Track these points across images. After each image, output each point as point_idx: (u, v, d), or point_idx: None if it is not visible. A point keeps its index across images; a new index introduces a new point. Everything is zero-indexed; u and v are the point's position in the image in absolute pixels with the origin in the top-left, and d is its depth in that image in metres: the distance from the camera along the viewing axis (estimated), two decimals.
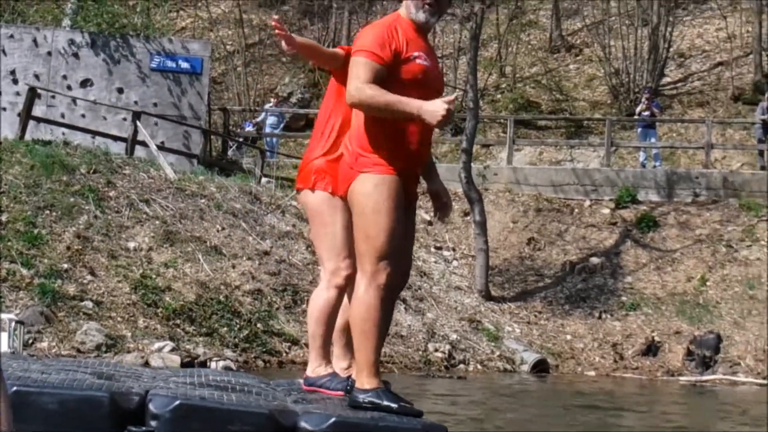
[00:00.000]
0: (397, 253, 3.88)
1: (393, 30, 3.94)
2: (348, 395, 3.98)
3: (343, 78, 4.05)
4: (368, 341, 3.83)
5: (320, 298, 4.40)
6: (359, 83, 3.82)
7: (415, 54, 3.92)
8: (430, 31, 4.15)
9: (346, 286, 4.32)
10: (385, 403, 3.76)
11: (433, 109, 3.77)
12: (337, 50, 4.47)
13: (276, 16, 4.42)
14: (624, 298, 17.29)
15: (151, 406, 3.27)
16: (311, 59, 4.64)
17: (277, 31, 4.31)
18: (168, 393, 3.35)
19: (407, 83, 3.88)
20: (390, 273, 3.84)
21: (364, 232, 3.86)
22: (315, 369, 4.38)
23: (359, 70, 3.84)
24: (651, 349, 16.18)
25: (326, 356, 4.45)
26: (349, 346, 4.31)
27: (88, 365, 4.04)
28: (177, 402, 3.28)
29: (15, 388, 3.15)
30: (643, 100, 21.70)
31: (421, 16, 4.01)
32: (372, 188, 3.86)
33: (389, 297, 3.90)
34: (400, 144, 3.90)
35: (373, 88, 3.81)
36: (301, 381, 4.59)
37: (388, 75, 3.86)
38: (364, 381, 3.82)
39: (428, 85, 3.95)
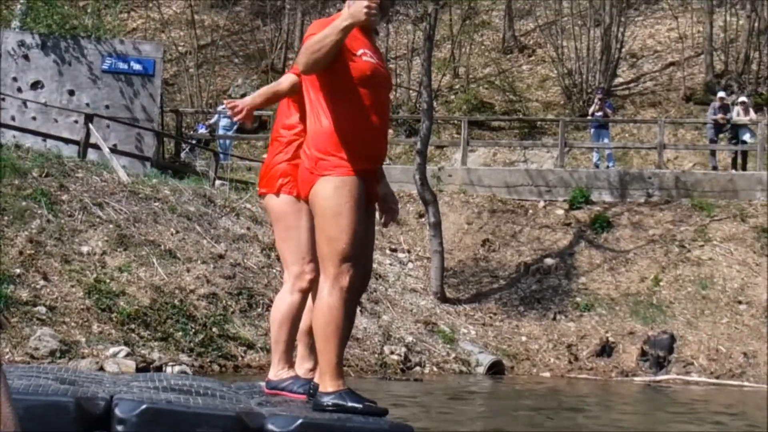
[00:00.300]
0: (360, 255, 3.90)
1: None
2: (311, 398, 3.97)
3: (306, 86, 4.06)
4: (331, 344, 3.84)
5: (284, 302, 4.41)
6: (301, 50, 3.88)
7: (361, 51, 3.95)
8: (373, 30, 4.16)
9: (310, 290, 4.31)
10: (350, 404, 3.77)
11: (357, 8, 3.77)
12: (290, 75, 4.49)
13: (226, 100, 4.52)
14: (578, 299, 17.41)
15: (117, 411, 3.27)
16: (273, 103, 4.66)
17: (232, 113, 4.38)
18: (134, 397, 3.33)
19: (358, 81, 3.91)
20: (353, 275, 3.85)
21: (325, 235, 3.87)
22: (277, 372, 4.39)
23: (307, 43, 3.88)
24: (605, 349, 16.31)
25: (289, 360, 4.45)
26: (312, 347, 4.30)
27: (49, 371, 4.00)
28: (143, 406, 3.28)
29: None
30: (596, 100, 21.90)
31: (363, 16, 3.99)
32: (332, 190, 3.87)
33: (352, 299, 3.91)
34: (358, 144, 3.92)
35: (309, 43, 3.84)
36: (262, 384, 4.59)
37: (337, 74, 3.90)
38: (328, 384, 3.83)
39: (377, 83, 3.98)
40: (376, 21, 3.88)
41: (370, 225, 4.07)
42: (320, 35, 3.81)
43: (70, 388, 3.41)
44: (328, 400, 3.79)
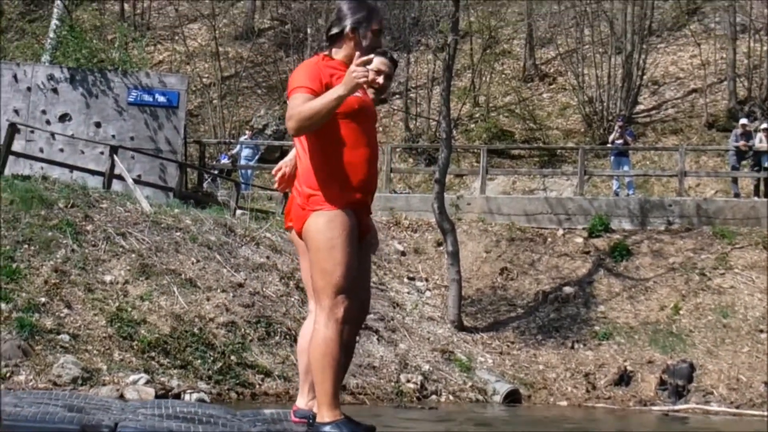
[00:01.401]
0: (354, 286, 4.04)
1: (320, 66, 4.12)
2: (310, 427, 4.14)
3: None
4: (327, 375, 3.97)
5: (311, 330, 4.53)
6: (293, 110, 3.97)
7: None
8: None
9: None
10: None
11: (350, 76, 3.87)
12: None
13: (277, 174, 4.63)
14: (597, 328, 17.44)
15: None
16: None
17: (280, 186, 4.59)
18: (137, 426, 3.51)
19: (345, 115, 4.05)
20: (347, 306, 4.00)
21: (320, 268, 4.02)
22: (308, 402, 4.53)
23: (291, 104, 4.00)
24: (623, 378, 16.28)
25: None
26: None
27: (60, 398, 4.19)
28: None
29: None
30: (616, 128, 21.98)
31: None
32: (324, 225, 4.02)
33: (348, 330, 4.05)
34: (347, 178, 4.07)
35: (299, 106, 3.94)
36: (268, 412, 4.75)
37: None
38: (325, 414, 3.96)
39: (364, 116, 4.14)
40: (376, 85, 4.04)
41: (364, 256, 4.21)
42: (315, 106, 3.91)
43: (77, 416, 3.59)
44: (325, 430, 3.94)
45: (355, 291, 4.08)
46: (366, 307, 4.33)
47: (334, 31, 4.21)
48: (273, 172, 4.74)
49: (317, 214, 4.06)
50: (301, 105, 3.95)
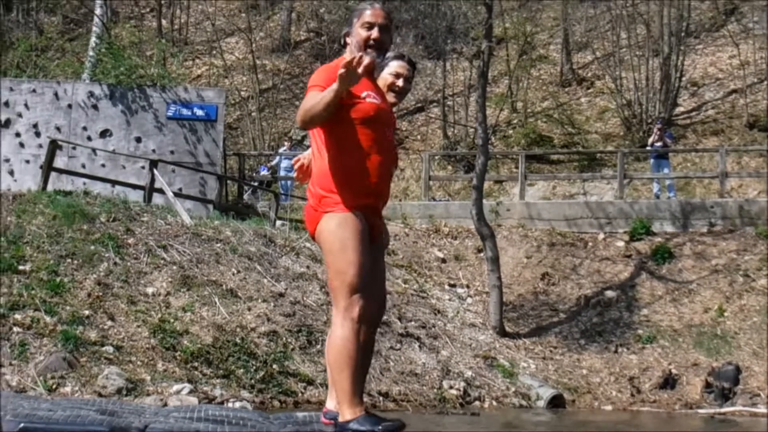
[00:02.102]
0: (368, 286, 4.08)
1: (333, 68, 4.20)
2: (336, 429, 4.18)
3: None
4: (345, 374, 4.02)
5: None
6: (301, 107, 4.11)
7: (365, 93, 4.19)
8: (376, 70, 4.39)
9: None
10: (367, 427, 3.93)
11: (343, 72, 3.95)
12: None
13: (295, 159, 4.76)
14: (640, 331, 17.31)
15: None
16: None
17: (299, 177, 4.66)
18: (165, 427, 3.57)
19: (360, 121, 4.14)
20: (362, 306, 4.04)
21: (334, 269, 4.10)
22: (337, 404, 4.57)
23: (305, 100, 4.12)
24: (668, 381, 16.14)
25: None
26: None
27: (95, 403, 4.27)
28: None
29: (22, 425, 3.39)
30: (654, 130, 21.86)
31: (365, 59, 4.23)
32: (336, 226, 4.10)
33: (365, 330, 4.09)
34: (358, 181, 4.14)
35: (307, 100, 4.07)
36: (301, 414, 4.80)
37: (342, 115, 4.13)
38: (346, 413, 4.00)
39: (380, 122, 4.21)
40: (363, 73, 4.06)
41: (378, 257, 4.28)
42: (314, 100, 4.03)
43: (107, 419, 3.66)
44: (347, 429, 3.97)
45: (370, 290, 4.13)
46: (382, 308, 4.39)
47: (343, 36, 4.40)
48: (292, 162, 4.85)
49: (329, 216, 4.14)
50: (304, 103, 4.09)
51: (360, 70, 3.95)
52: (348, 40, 4.36)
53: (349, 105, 4.15)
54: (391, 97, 4.54)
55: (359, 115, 4.14)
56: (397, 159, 4.67)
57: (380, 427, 3.94)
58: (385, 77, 4.65)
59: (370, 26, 4.28)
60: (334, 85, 3.97)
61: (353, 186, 4.14)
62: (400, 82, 4.63)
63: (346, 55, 4.28)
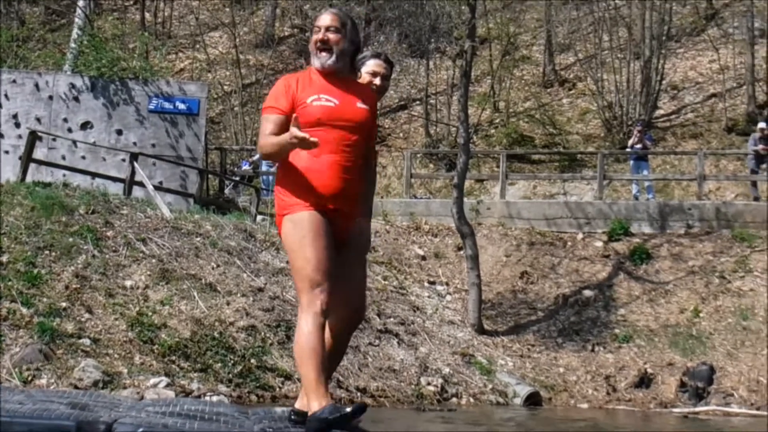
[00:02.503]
0: (330, 281, 4.13)
1: (292, 81, 4.37)
2: (295, 424, 4.23)
3: None
4: (309, 367, 4.06)
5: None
6: (261, 139, 4.30)
7: (314, 97, 4.28)
8: (339, 73, 4.43)
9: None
10: (335, 415, 3.96)
11: (288, 137, 4.12)
12: None
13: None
14: (617, 331, 17.45)
15: None
16: None
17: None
18: (134, 422, 3.59)
19: (309, 125, 4.23)
20: (323, 300, 4.11)
21: (294, 269, 4.20)
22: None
23: (262, 125, 4.31)
24: (644, 381, 16.30)
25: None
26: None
27: (69, 396, 4.27)
28: (140, 430, 3.52)
29: None
30: (635, 132, 22.00)
31: (316, 62, 4.39)
32: (291, 228, 4.21)
33: (338, 328, 4.19)
34: (310, 184, 4.23)
35: (264, 138, 4.26)
36: (279, 410, 4.84)
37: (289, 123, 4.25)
38: (313, 404, 4.03)
39: (332, 123, 4.28)
40: (305, 144, 4.15)
41: (351, 261, 4.33)
42: (272, 142, 4.22)
43: (75, 413, 3.66)
44: (315, 419, 3.99)
45: (335, 286, 4.18)
46: (359, 312, 4.45)
47: None
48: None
49: (286, 218, 4.27)
50: (263, 137, 4.27)
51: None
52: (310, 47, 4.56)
53: (299, 110, 4.27)
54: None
55: (305, 119, 4.23)
56: (373, 156, 4.69)
57: (348, 410, 3.98)
58: (362, 76, 4.72)
59: (318, 30, 4.43)
60: (285, 140, 4.13)
61: (305, 188, 4.24)
62: (377, 81, 4.71)
63: (313, 61, 4.43)
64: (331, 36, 4.37)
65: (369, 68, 4.73)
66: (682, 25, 29.18)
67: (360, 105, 4.39)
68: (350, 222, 4.36)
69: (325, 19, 4.43)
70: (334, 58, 4.37)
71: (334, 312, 4.28)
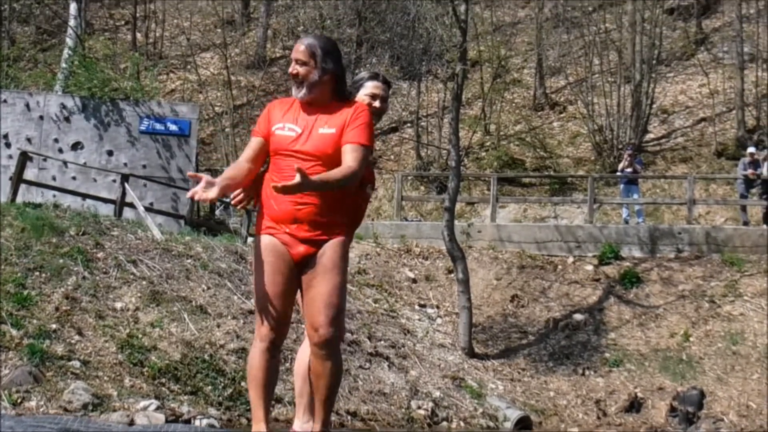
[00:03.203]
0: (277, 307, 4.28)
1: (274, 106, 4.53)
2: None
3: None
4: (250, 390, 4.30)
5: (306, 355, 4.56)
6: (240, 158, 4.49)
7: (279, 125, 4.42)
8: (313, 103, 4.46)
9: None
10: None
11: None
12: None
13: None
14: (607, 355, 17.45)
15: None
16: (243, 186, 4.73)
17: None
18: None
19: (273, 152, 4.42)
20: (266, 325, 4.26)
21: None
22: (303, 424, 4.58)
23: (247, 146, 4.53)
24: (634, 405, 16.27)
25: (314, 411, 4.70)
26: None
27: (60, 422, 4.24)
28: None
29: None
30: (625, 156, 22.07)
31: (294, 92, 4.50)
32: (254, 250, 4.39)
33: (274, 348, 4.29)
34: (269, 207, 4.40)
35: (232, 164, 4.50)
36: None
37: (264, 148, 4.48)
38: (254, 428, 4.23)
39: (291, 153, 4.36)
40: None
41: (313, 284, 4.33)
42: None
43: None
44: None
45: (270, 310, 4.30)
46: (319, 327, 4.31)
47: None
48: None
49: (254, 240, 4.49)
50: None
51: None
52: None
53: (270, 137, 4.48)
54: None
55: (272, 146, 4.42)
56: (359, 180, 4.57)
57: None
58: (361, 98, 4.68)
59: (301, 63, 4.48)
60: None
61: (265, 211, 4.41)
62: (377, 104, 4.69)
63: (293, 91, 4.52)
64: (300, 69, 4.43)
65: (368, 90, 4.75)
66: (672, 49, 29.37)
67: (323, 131, 4.37)
68: (310, 246, 4.34)
69: (295, 51, 4.50)
70: (304, 90, 4.43)
71: (307, 333, 4.37)
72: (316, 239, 4.34)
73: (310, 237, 4.33)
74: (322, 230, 4.33)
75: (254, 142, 4.45)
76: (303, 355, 4.63)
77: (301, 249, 4.31)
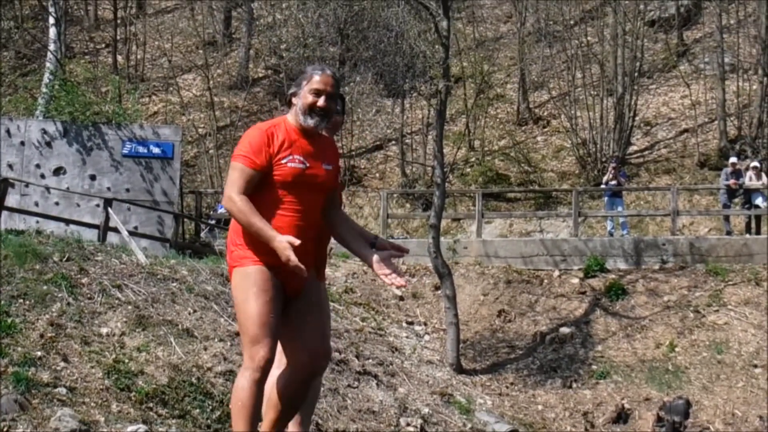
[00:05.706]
0: (272, 337, 4.15)
1: (271, 135, 4.25)
2: None
3: None
4: (239, 422, 4.12)
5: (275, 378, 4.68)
6: (233, 192, 4.17)
7: (288, 158, 4.22)
8: (317, 134, 4.39)
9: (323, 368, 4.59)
10: None
11: (281, 248, 4.07)
12: None
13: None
14: (594, 367, 17.51)
15: None
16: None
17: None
18: None
19: (278, 184, 4.22)
20: (262, 356, 4.11)
21: (239, 322, 4.21)
22: None
23: (234, 175, 4.20)
24: (621, 416, 16.34)
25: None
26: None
27: None
28: None
29: None
30: (609, 169, 22.19)
31: (310, 122, 4.29)
32: (239, 281, 4.21)
33: (263, 379, 4.17)
34: (261, 241, 4.17)
35: (243, 203, 4.15)
36: None
37: (264, 176, 4.21)
38: None
39: (302, 186, 4.25)
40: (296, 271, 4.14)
41: (305, 311, 4.33)
42: (251, 222, 4.13)
43: None
44: None
45: (290, 338, 4.26)
46: (318, 359, 4.38)
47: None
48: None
49: (235, 271, 4.26)
50: (237, 196, 4.16)
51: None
52: (294, 100, 4.36)
53: (272, 167, 4.23)
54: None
55: (278, 178, 4.21)
56: (340, 200, 4.70)
57: None
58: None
59: (317, 93, 4.30)
60: (269, 238, 4.09)
61: (257, 244, 4.19)
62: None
63: (289, 117, 4.36)
64: (331, 104, 4.34)
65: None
66: (654, 61, 29.57)
67: (325, 166, 4.36)
68: (298, 278, 4.30)
69: (329, 83, 4.31)
70: (325, 122, 4.34)
71: (294, 361, 4.30)
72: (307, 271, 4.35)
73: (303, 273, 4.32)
74: (311, 263, 4.39)
75: (249, 174, 4.17)
76: (272, 381, 4.64)
77: (295, 281, 4.29)
